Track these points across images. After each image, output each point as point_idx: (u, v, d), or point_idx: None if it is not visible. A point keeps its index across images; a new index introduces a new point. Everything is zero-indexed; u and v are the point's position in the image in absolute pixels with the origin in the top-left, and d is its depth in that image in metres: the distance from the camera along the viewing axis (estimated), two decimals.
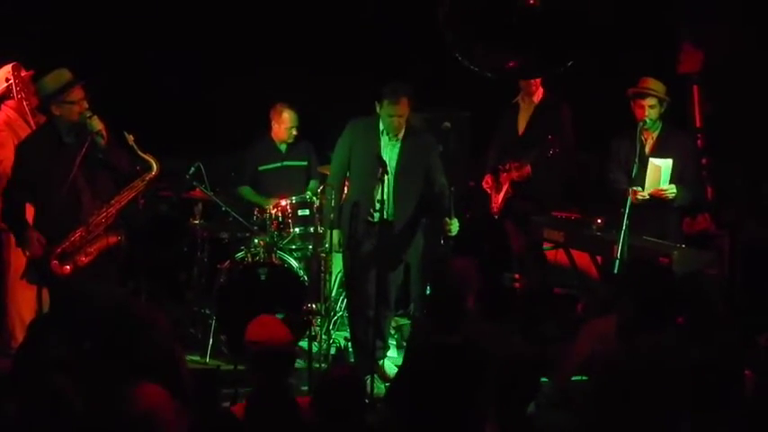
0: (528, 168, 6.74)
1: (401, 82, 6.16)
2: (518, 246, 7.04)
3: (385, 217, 6.07)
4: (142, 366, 3.79)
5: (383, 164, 5.98)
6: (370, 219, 6.15)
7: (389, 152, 6.20)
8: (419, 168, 6.22)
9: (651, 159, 6.18)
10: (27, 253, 5.57)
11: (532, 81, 6.84)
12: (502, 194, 6.88)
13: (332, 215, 6.24)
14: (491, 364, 3.73)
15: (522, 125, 6.94)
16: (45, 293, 5.74)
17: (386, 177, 5.94)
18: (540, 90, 6.93)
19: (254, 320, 4.11)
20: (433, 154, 6.34)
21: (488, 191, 6.98)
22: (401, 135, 6.20)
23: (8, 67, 6.20)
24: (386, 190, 5.98)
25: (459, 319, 4.37)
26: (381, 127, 6.21)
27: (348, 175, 6.34)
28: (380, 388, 5.84)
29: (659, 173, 6.16)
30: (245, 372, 4.22)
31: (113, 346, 3.81)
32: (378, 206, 5.98)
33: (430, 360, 4.30)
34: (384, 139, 6.21)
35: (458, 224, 6.14)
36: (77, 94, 5.55)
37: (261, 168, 7.27)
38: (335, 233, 6.27)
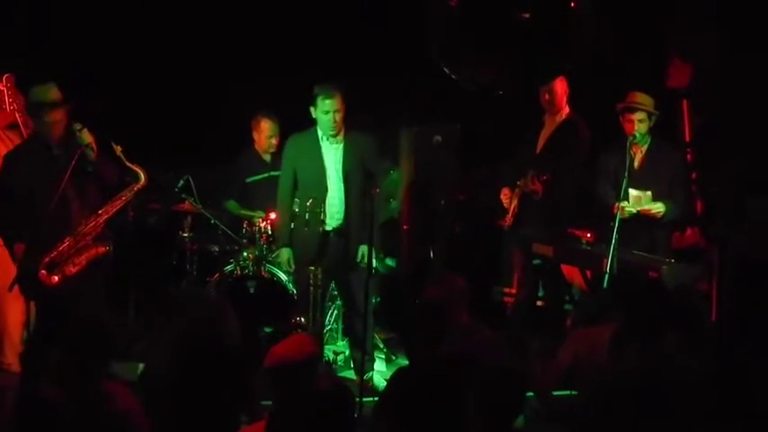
0: (538, 186, 6.55)
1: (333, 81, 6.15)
2: (518, 260, 6.99)
3: (339, 225, 6.10)
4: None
5: (375, 180, 5.99)
6: (322, 229, 6.12)
7: (334, 156, 6.20)
8: (362, 167, 6.18)
9: (630, 190, 6.17)
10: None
11: (555, 99, 6.59)
12: (512, 209, 6.78)
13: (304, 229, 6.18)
14: (477, 375, 3.72)
15: (540, 143, 6.74)
16: (32, 307, 5.74)
17: (376, 191, 5.96)
18: (566, 109, 6.67)
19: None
20: (373, 152, 6.28)
21: (505, 204, 6.85)
22: (340, 137, 6.18)
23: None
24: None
25: (444, 332, 4.36)
26: (320, 133, 6.20)
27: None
28: (370, 401, 5.82)
29: (641, 201, 6.20)
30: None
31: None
32: (336, 216, 6.06)
33: (413, 374, 4.29)
34: (324, 145, 6.21)
35: (365, 252, 6.05)
36: (56, 115, 5.50)
37: (249, 180, 7.27)
38: (285, 251, 6.31)
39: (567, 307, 7.03)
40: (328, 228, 6.19)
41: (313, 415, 3.69)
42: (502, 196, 6.80)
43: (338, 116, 6.09)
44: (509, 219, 6.75)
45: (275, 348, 4.05)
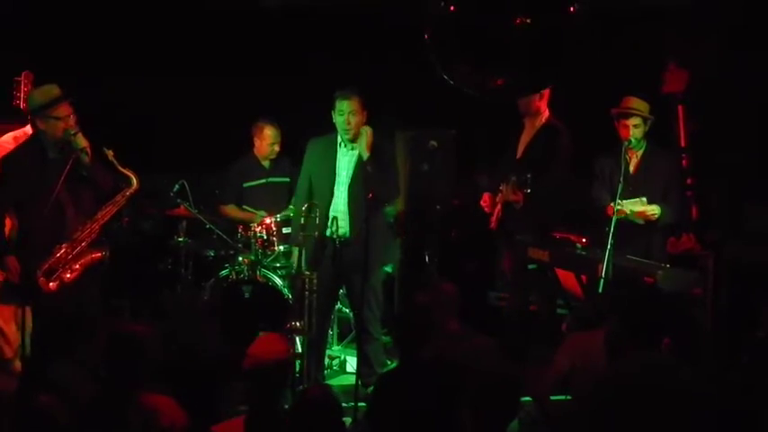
0: (519, 196, 6.55)
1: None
2: (509, 265, 6.98)
3: (342, 234, 6.09)
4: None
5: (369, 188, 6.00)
6: (326, 237, 6.16)
7: (347, 163, 6.23)
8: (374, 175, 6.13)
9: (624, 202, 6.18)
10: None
11: (535, 103, 6.59)
12: (495, 213, 6.78)
13: (300, 234, 6.23)
14: (467, 381, 3.71)
15: (520, 148, 6.74)
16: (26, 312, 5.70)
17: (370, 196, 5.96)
18: (546, 113, 6.66)
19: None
20: (389, 161, 6.31)
21: (486, 210, 6.84)
22: (358, 141, 6.19)
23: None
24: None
25: (426, 338, 4.36)
26: (339, 139, 6.24)
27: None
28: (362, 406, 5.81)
29: (637, 205, 6.20)
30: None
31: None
32: (340, 224, 6.06)
33: (397, 378, 4.29)
34: (341, 150, 6.24)
35: None
36: (64, 110, 5.53)
37: (246, 185, 7.27)
38: (295, 251, 6.36)
39: (561, 311, 7.02)
40: (330, 234, 6.19)
41: (299, 421, 3.69)
42: (482, 202, 6.81)
43: (353, 118, 6.15)
44: (493, 222, 6.77)
45: (251, 349, 4.05)
